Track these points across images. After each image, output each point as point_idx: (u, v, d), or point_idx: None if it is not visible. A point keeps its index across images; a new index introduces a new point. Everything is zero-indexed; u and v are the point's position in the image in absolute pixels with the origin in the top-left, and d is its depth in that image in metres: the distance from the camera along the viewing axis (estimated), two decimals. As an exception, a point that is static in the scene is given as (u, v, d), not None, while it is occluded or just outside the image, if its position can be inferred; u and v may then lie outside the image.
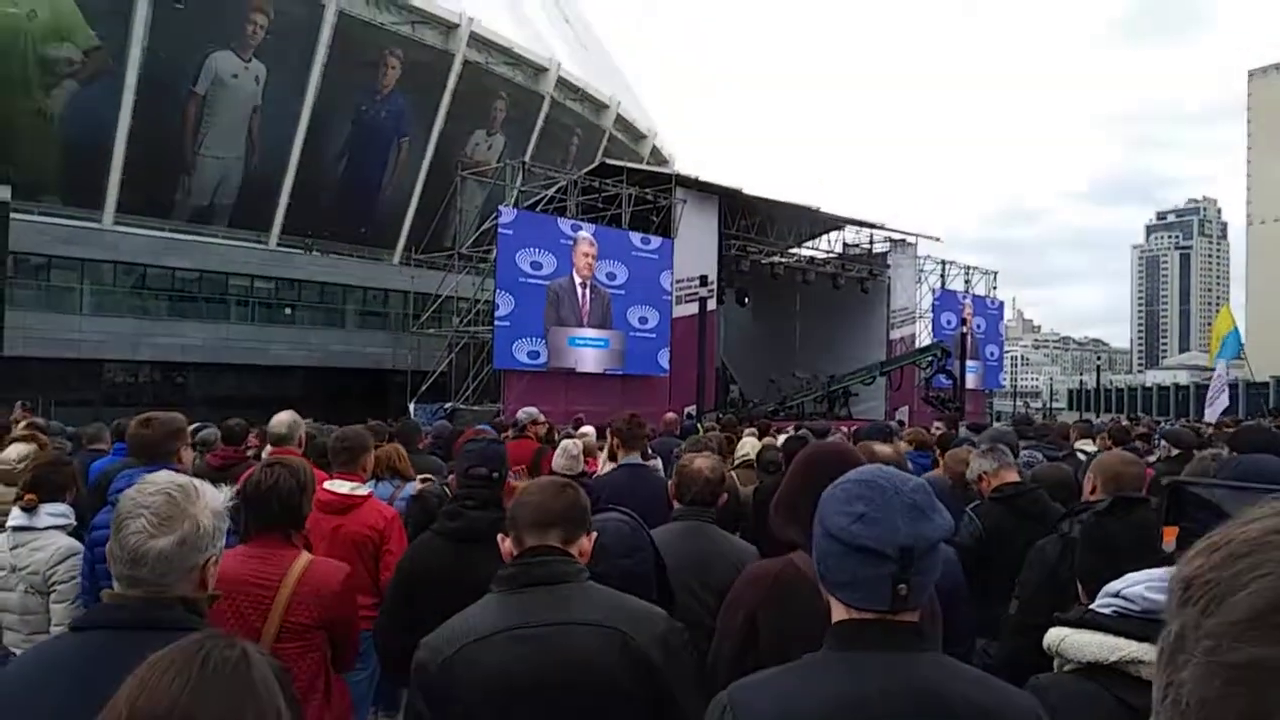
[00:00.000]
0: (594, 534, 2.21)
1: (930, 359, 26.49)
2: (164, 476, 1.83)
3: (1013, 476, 4.34)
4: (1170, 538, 1.68)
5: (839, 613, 1.51)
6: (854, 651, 1.46)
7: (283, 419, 4.97)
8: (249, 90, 27.74)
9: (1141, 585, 1.66)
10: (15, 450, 4.68)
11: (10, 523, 3.57)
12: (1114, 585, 1.71)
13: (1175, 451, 6.38)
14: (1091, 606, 1.74)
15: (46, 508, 3.56)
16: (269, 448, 5.07)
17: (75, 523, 3.70)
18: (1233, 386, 23.43)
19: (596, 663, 1.94)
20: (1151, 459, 6.40)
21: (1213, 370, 19.49)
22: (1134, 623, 1.63)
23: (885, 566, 1.43)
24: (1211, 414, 16.32)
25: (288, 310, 31.34)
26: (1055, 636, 1.74)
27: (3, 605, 3.47)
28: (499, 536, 2.19)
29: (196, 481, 1.84)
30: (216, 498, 1.82)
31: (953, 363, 26.49)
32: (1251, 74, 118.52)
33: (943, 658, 1.51)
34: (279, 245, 30.18)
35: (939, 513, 1.50)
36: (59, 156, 25.41)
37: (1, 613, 3.47)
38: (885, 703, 1.39)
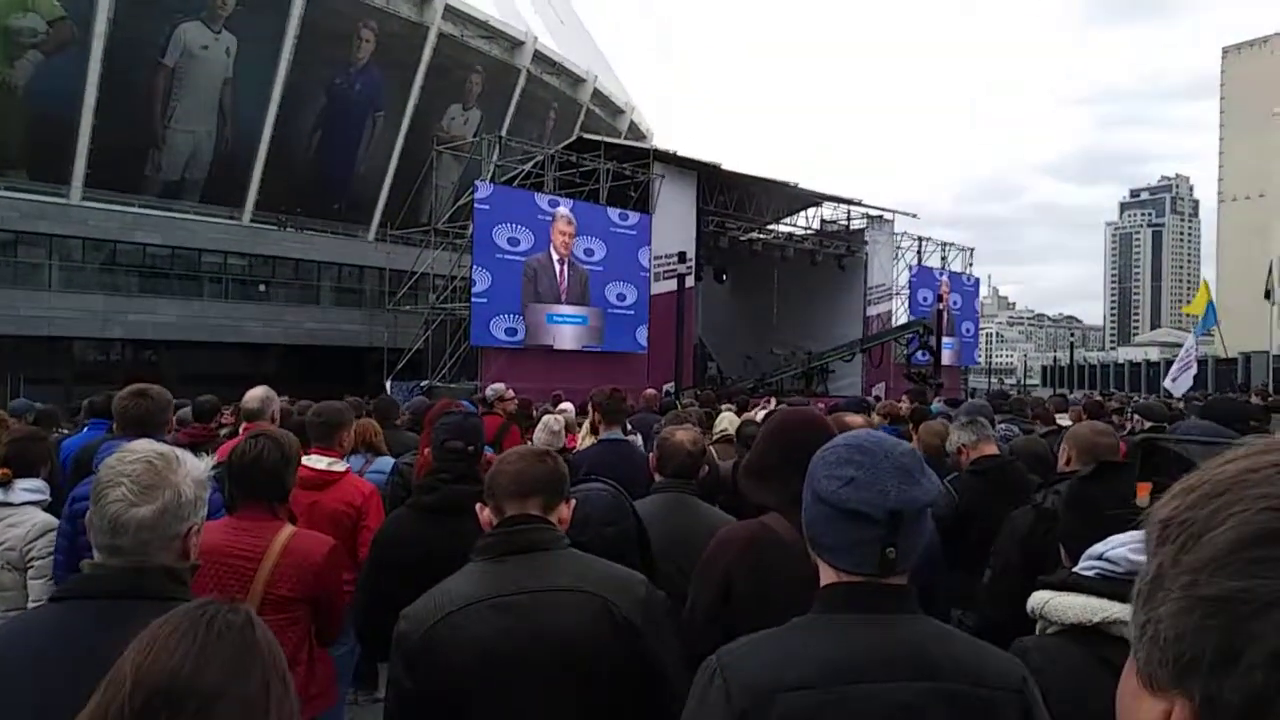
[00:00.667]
0: (573, 502, 2.20)
1: (911, 335, 26.68)
2: (144, 445, 1.79)
3: (991, 449, 4.38)
4: (1144, 493, 1.70)
5: (828, 576, 1.52)
6: (843, 614, 1.47)
7: (255, 394, 4.91)
8: (220, 62, 27.26)
9: (1125, 547, 1.68)
10: (-25, 428, 4.60)
11: None
12: (1097, 548, 1.73)
13: (1148, 424, 6.48)
14: (1075, 569, 1.76)
15: (22, 483, 3.51)
16: (244, 424, 5.01)
17: (50, 499, 3.65)
18: (1202, 363, 23.69)
19: (579, 629, 1.95)
20: (1125, 433, 6.48)
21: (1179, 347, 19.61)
22: (1117, 584, 1.65)
23: (874, 530, 1.44)
24: (1176, 387, 16.30)
25: (262, 287, 30.99)
26: (1039, 599, 1.75)
27: None
28: (478, 506, 2.18)
29: (178, 450, 1.81)
30: (198, 466, 1.79)
31: (932, 339, 26.67)
32: (1225, 51, 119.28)
33: (930, 620, 1.52)
34: (252, 221, 29.80)
35: (927, 477, 1.51)
36: (24, 130, 24.89)
37: None
38: (874, 665, 1.40)
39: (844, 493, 1.46)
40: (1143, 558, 1.69)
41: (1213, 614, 0.57)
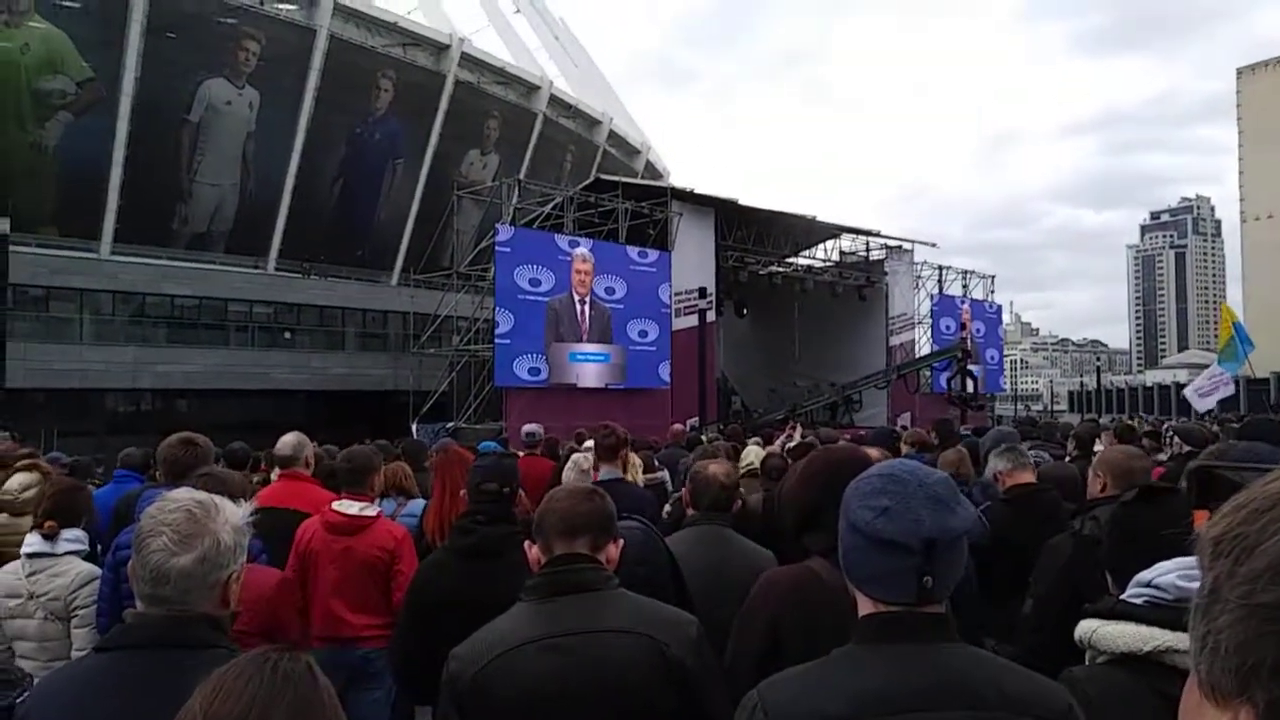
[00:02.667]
0: (621, 541, 2.19)
1: (945, 361, 26.65)
2: (184, 493, 1.81)
3: (1027, 477, 4.32)
4: (1201, 521, 1.66)
5: (865, 607, 1.52)
6: (882, 644, 1.46)
7: (288, 440, 4.92)
8: (243, 116, 27.83)
9: (1174, 574, 1.64)
10: (17, 480, 4.66)
11: (26, 549, 3.55)
12: (1145, 574, 1.69)
13: (1186, 449, 6.36)
14: (1123, 597, 1.73)
15: (64, 533, 3.55)
16: (278, 470, 5.04)
17: (89, 549, 3.68)
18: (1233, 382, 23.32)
19: (632, 671, 1.93)
20: (1163, 457, 6.38)
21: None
22: (1167, 611, 1.61)
23: (909, 559, 1.44)
24: (1204, 404, 16.17)
25: (287, 334, 31.32)
26: (1086, 628, 1.72)
27: (20, 633, 3.44)
28: (526, 544, 2.18)
29: (216, 498, 1.82)
30: (236, 514, 1.80)
31: (969, 363, 26.64)
32: (1240, 71, 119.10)
33: (971, 648, 1.51)
34: (277, 270, 30.21)
35: (962, 505, 1.50)
36: (55, 188, 25.45)
37: (17, 640, 3.44)
38: (914, 695, 1.39)
39: (878, 523, 1.46)
40: (1193, 584, 1.65)
41: (1271, 619, 0.59)
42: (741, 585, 2.90)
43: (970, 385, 26.64)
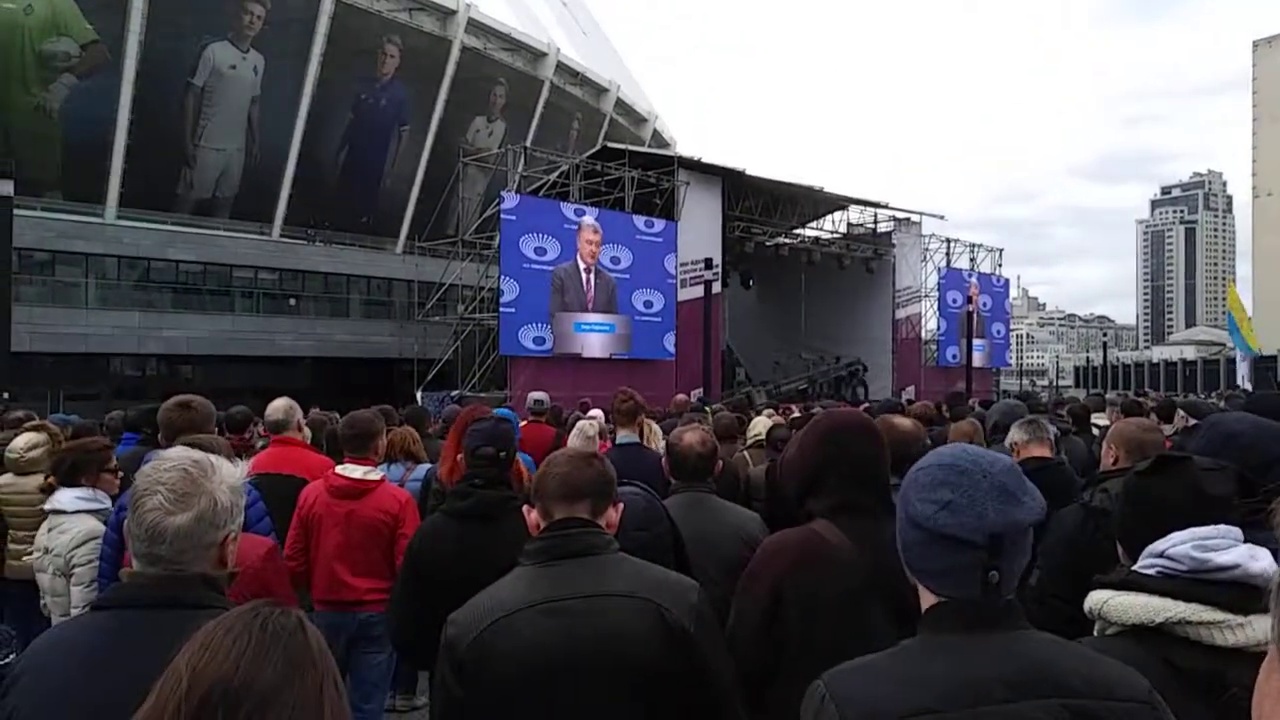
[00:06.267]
0: (620, 506, 2.17)
1: (852, 370, 29.41)
2: (179, 452, 1.78)
3: (1041, 451, 4.26)
4: None
5: (928, 600, 1.45)
6: (952, 634, 1.39)
7: (278, 405, 4.91)
8: (248, 81, 27.65)
9: (1187, 544, 1.61)
10: (23, 439, 4.66)
11: (47, 505, 3.65)
12: (1158, 545, 1.66)
13: (1192, 422, 6.33)
14: (1135, 568, 1.69)
15: (73, 491, 3.59)
16: (271, 436, 5.02)
17: (107, 506, 3.69)
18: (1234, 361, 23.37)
19: (632, 635, 1.91)
20: (1169, 429, 6.35)
21: (1220, 346, 19.53)
22: (1180, 582, 1.58)
23: (974, 555, 1.37)
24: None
25: (292, 301, 31.33)
26: (1097, 599, 1.69)
27: (43, 586, 3.61)
28: (525, 508, 2.16)
29: (213, 457, 1.78)
30: (233, 473, 1.77)
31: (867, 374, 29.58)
32: (1256, 44, 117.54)
33: (1044, 634, 1.45)
34: (282, 236, 30.17)
35: (1030, 495, 1.43)
36: (60, 151, 25.38)
37: (46, 593, 3.61)
38: (998, 684, 1.33)
39: (940, 518, 1.39)
40: (1207, 555, 1.61)
41: None
42: (724, 548, 2.95)
43: (861, 393, 27.74)
